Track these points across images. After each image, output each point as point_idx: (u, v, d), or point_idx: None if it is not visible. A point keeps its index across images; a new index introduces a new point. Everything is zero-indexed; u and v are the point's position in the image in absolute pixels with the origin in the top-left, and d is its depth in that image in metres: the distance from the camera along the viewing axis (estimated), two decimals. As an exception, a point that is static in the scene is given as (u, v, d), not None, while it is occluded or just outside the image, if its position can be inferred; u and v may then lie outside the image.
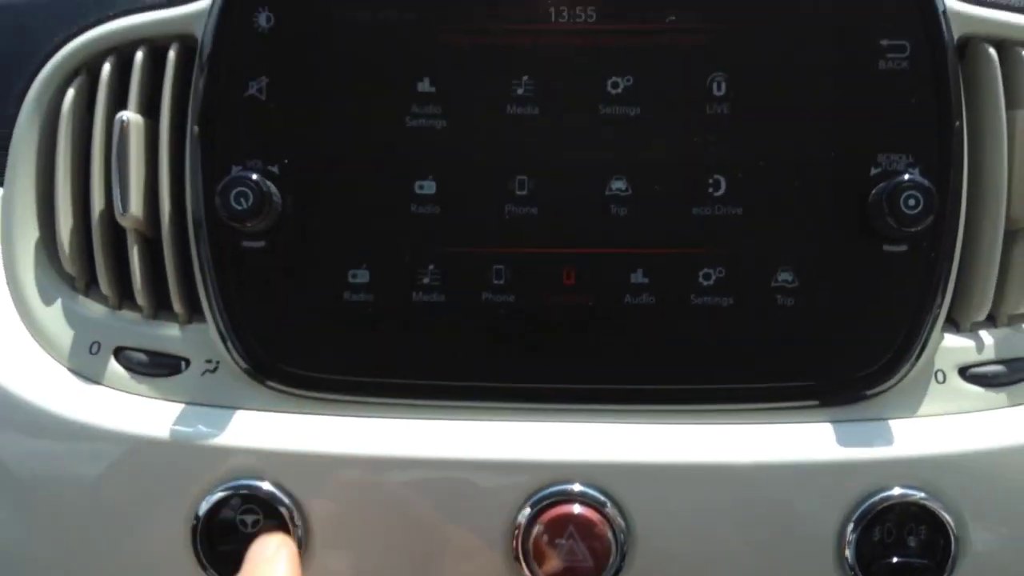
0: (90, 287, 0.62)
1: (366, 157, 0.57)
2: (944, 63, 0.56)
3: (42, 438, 0.57)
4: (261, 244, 0.58)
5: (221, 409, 0.57)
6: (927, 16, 0.56)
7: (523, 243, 0.57)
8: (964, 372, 0.58)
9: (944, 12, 0.56)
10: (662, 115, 0.57)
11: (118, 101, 0.61)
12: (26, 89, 0.62)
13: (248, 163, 0.57)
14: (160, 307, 0.61)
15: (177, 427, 0.56)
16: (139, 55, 0.61)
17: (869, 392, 0.57)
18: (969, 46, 0.60)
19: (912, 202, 0.54)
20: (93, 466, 0.56)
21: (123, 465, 0.56)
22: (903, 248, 0.56)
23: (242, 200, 0.55)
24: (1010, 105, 0.59)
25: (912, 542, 0.54)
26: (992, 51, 0.59)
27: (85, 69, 0.62)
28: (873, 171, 0.56)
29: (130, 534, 0.56)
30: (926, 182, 0.54)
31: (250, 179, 0.55)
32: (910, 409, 0.57)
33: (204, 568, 0.55)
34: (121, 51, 0.62)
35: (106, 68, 0.61)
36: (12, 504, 0.57)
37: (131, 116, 0.59)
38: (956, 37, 0.58)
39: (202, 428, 0.56)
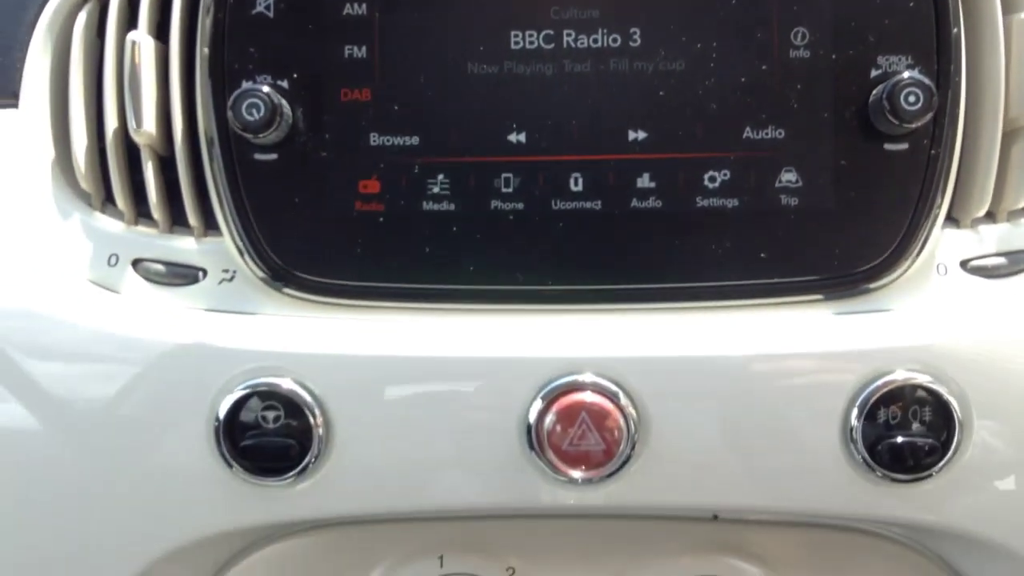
0: (106, 204, 0.63)
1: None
2: (941, -32, 0.58)
3: (65, 348, 0.58)
4: (273, 157, 0.59)
5: (239, 315, 0.59)
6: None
7: (531, 152, 0.58)
8: (965, 265, 0.59)
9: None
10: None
11: (127, 25, 0.62)
12: (37, 15, 0.63)
13: (258, 78, 0.58)
14: (175, 223, 0.62)
15: (197, 332, 0.58)
16: None
17: (872, 285, 0.58)
18: (966, -48, 0.61)
19: (912, 99, 0.55)
20: (116, 373, 0.58)
21: (145, 371, 0.57)
22: (904, 146, 0.57)
23: (254, 111, 0.56)
24: (1006, 10, 0.60)
25: (916, 424, 0.55)
26: (988, -43, 0.60)
27: (95, -7, 0.63)
28: (874, 73, 0.57)
29: (155, 438, 0.58)
30: (926, 79, 0.55)
31: (261, 91, 0.57)
32: (913, 300, 0.58)
33: (229, 466, 0.56)
34: (131, -25, 0.63)
35: (117, -8, 0.62)
36: (40, 414, 0.58)
37: (142, 36, 0.60)
38: (953, -57, 0.59)
39: (221, 332, 0.58)
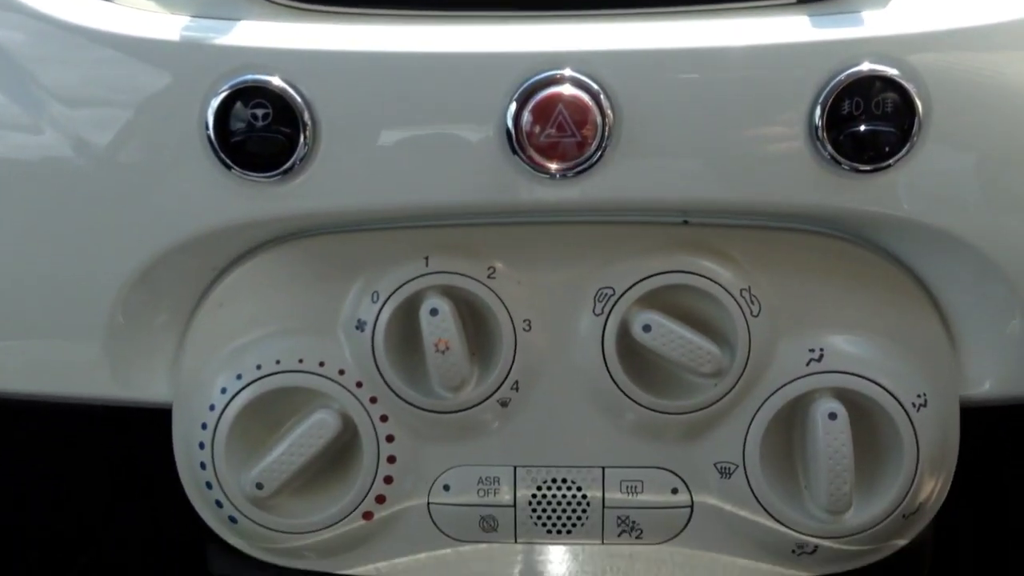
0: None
1: None
2: None
3: (61, 50, 0.60)
4: None
5: (228, 21, 0.60)
6: None
7: None
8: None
9: None
10: None
11: None
12: None
13: None
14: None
15: (186, 31, 0.59)
16: None
17: (844, -9, 0.59)
18: None
19: None
20: (111, 73, 0.60)
21: (141, 66, 0.60)
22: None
23: None
24: None
25: (879, 115, 0.58)
26: None
27: None
28: None
29: (150, 136, 0.60)
30: None
31: None
32: (882, 5, 0.60)
33: (223, 163, 0.59)
34: None
35: None
36: (37, 113, 0.61)
37: None
38: None
39: (211, 33, 0.59)
